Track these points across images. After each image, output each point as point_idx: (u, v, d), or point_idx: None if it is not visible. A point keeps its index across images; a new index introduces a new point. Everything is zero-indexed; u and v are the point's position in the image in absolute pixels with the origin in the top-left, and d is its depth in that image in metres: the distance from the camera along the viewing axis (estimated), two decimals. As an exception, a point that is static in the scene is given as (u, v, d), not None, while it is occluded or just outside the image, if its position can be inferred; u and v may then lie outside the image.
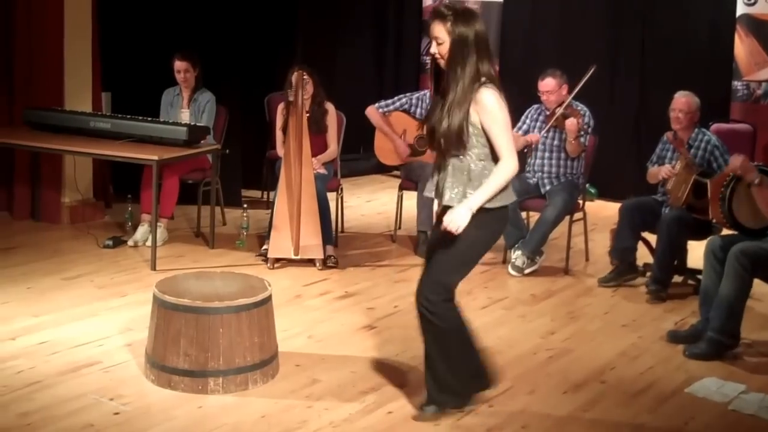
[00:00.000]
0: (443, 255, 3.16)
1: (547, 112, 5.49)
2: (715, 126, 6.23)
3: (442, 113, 3.09)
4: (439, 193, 3.21)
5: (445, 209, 3.16)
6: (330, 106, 5.71)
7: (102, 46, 6.29)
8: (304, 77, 5.31)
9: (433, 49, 3.10)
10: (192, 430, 3.23)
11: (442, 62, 3.10)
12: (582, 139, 5.34)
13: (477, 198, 3.06)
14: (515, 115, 5.92)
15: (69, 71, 6.04)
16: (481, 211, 3.09)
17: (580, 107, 5.41)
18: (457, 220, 3.04)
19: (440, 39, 3.06)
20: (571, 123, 5.23)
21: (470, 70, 3.04)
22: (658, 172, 5.05)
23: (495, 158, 3.12)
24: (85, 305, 4.48)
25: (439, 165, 3.22)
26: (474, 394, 3.41)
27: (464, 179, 3.12)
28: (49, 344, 3.94)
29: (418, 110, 5.87)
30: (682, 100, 4.99)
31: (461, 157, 3.12)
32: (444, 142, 3.09)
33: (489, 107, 3.06)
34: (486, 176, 3.10)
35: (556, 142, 5.45)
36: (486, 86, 3.06)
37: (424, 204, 5.67)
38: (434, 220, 3.55)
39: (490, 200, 3.09)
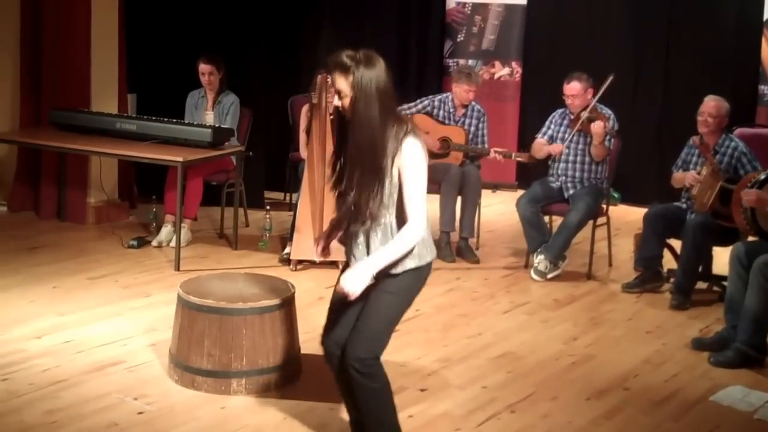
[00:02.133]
0: (373, 315, 2.82)
1: (571, 117, 5.47)
2: (740, 131, 6.16)
3: (360, 178, 2.69)
4: (359, 260, 2.81)
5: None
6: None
7: (128, 49, 6.35)
8: (328, 80, 5.33)
9: (336, 101, 2.74)
10: (215, 430, 3.25)
11: (347, 115, 2.74)
12: (607, 143, 5.31)
13: (378, 262, 2.72)
14: (538, 117, 5.94)
15: (95, 73, 6.10)
16: (408, 270, 2.78)
17: (605, 110, 5.38)
18: (356, 286, 2.72)
19: (343, 92, 2.71)
20: (597, 126, 5.19)
21: (381, 120, 2.68)
22: (683, 177, 5.01)
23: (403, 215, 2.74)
24: (110, 305, 4.52)
25: (354, 231, 2.81)
26: None
27: (387, 242, 2.76)
28: (74, 343, 3.98)
29: (441, 112, 5.89)
30: (712, 104, 4.93)
31: (384, 220, 2.76)
32: (372, 208, 2.71)
33: (412, 161, 2.70)
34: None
35: (580, 146, 5.42)
36: (411, 136, 2.71)
37: (446, 204, 5.67)
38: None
39: (414, 259, 2.78)
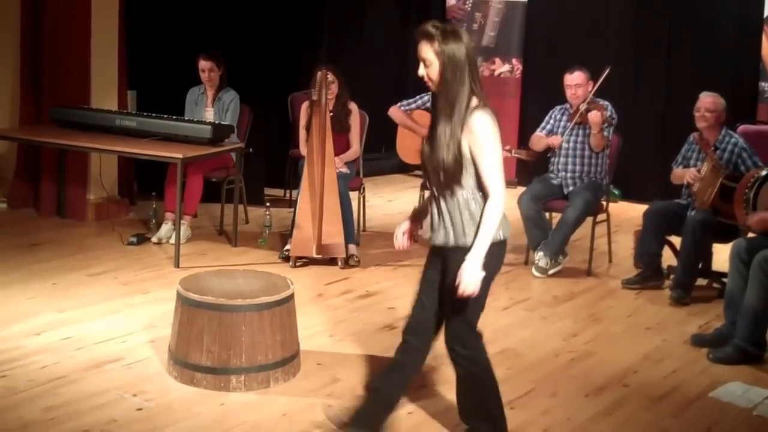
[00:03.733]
0: (458, 300, 2.86)
1: (571, 111, 5.47)
2: (742, 127, 6.15)
3: (439, 143, 2.81)
4: (435, 232, 2.92)
5: (438, 246, 2.91)
6: (354, 106, 5.72)
7: (128, 45, 6.35)
8: (328, 77, 5.33)
9: (421, 71, 2.84)
10: (214, 427, 3.25)
11: (431, 85, 2.85)
12: (605, 132, 5.31)
13: (481, 248, 2.80)
14: (538, 113, 5.94)
15: (95, 70, 6.10)
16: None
17: (603, 102, 5.39)
18: (472, 283, 2.78)
19: (428, 60, 2.81)
20: (594, 115, 5.21)
21: (464, 92, 2.78)
22: (683, 174, 5.01)
23: (483, 189, 2.83)
24: (109, 301, 4.52)
25: (432, 200, 2.93)
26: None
27: (460, 217, 2.85)
28: (74, 340, 3.98)
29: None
30: (708, 100, 4.93)
31: (458, 191, 2.84)
32: (444, 176, 2.81)
33: (481, 133, 2.78)
34: (480, 211, 2.84)
35: (580, 139, 5.42)
36: (480, 110, 2.80)
37: None
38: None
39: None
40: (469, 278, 2.79)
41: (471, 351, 2.98)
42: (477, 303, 2.92)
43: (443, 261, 2.94)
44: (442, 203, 2.88)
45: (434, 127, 2.86)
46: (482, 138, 2.79)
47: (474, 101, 2.81)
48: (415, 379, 3.21)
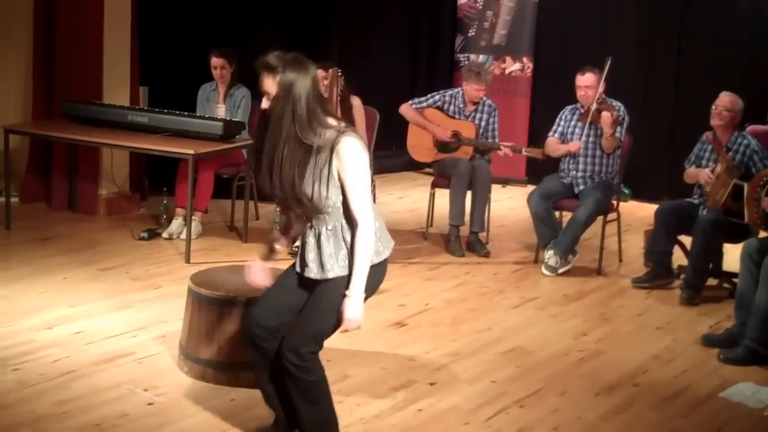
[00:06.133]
0: (321, 314, 2.79)
1: (581, 111, 5.45)
2: (752, 128, 6.12)
3: (304, 174, 2.67)
4: (312, 266, 2.79)
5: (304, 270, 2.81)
6: (356, 100, 5.69)
7: (140, 42, 6.37)
8: (339, 74, 5.32)
9: (264, 104, 2.72)
10: (224, 422, 3.25)
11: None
12: (618, 134, 5.29)
13: (360, 282, 2.73)
14: (549, 112, 5.93)
15: (107, 65, 6.12)
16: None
17: (615, 103, 5.37)
18: (356, 320, 2.74)
19: (271, 94, 2.70)
20: (606, 116, 5.19)
21: (315, 120, 2.67)
22: (696, 174, 4.99)
23: (351, 217, 2.73)
24: (120, 296, 4.53)
25: (304, 232, 2.82)
26: None
27: (340, 244, 2.76)
28: (85, 334, 4.00)
29: (452, 107, 5.89)
30: (726, 99, 4.90)
31: (328, 221, 2.75)
32: (312, 207, 2.71)
33: (350, 160, 2.67)
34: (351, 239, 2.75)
35: (591, 139, 5.41)
36: (347, 134, 2.68)
37: (455, 198, 5.67)
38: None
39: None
40: (353, 315, 2.74)
41: (307, 363, 2.79)
42: (336, 327, 2.82)
43: (315, 285, 2.82)
44: (310, 235, 2.78)
45: (288, 158, 2.67)
46: (351, 165, 2.68)
47: (334, 130, 2.69)
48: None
